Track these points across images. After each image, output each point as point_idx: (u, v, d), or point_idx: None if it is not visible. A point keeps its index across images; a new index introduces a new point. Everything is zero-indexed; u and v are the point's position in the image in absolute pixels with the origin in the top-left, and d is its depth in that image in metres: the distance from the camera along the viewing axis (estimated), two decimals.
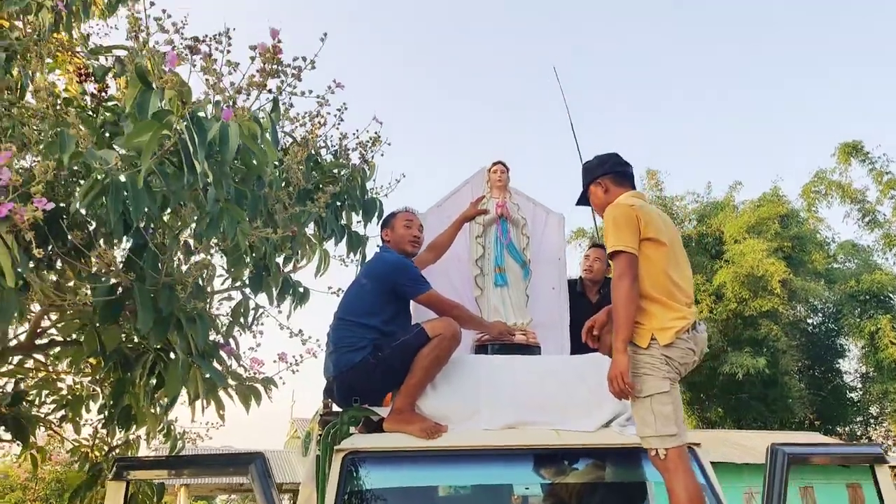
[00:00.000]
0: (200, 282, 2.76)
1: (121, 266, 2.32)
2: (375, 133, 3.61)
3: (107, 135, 2.69)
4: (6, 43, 2.79)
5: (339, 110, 3.49)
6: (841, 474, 22.37)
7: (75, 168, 2.24)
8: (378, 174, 3.87)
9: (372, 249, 3.79)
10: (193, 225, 2.47)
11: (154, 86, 2.28)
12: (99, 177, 2.11)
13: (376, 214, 3.85)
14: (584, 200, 3.32)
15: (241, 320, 3.05)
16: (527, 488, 3.08)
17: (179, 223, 2.51)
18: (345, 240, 3.66)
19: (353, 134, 3.73)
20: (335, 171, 3.62)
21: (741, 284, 27.31)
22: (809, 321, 33.64)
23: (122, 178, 2.14)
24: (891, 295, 27.94)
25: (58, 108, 2.71)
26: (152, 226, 2.40)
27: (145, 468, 3.05)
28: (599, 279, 4.89)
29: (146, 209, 2.15)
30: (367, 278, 3.36)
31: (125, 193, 2.09)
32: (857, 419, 31.53)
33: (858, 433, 30.75)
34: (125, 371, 3.15)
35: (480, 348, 3.72)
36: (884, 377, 27.15)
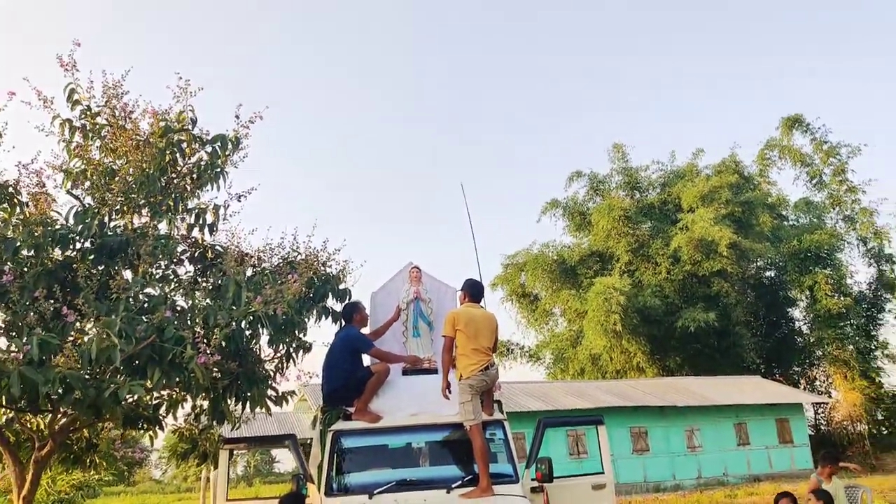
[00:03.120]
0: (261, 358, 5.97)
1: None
2: (344, 261, 6.77)
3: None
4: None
5: (324, 243, 6.67)
6: (772, 411, 26.04)
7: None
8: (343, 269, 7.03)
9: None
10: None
11: (241, 285, 5.42)
12: (225, 330, 5.24)
13: (347, 298, 7.00)
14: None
15: (280, 371, 6.27)
16: (421, 444, 6.29)
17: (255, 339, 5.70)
18: (329, 317, 6.83)
19: (335, 250, 6.87)
20: (322, 279, 6.77)
21: (694, 248, 30.56)
22: (767, 274, 36.90)
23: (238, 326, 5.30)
24: (827, 252, 31.16)
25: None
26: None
27: (236, 442, 6.28)
28: None
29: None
30: (341, 343, 6.49)
31: (239, 336, 5.26)
32: (806, 362, 34.99)
33: (799, 375, 34.34)
34: (216, 393, 6.32)
35: (405, 371, 6.86)
36: (820, 325, 30.61)
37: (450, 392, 6.00)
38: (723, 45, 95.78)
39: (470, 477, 5.75)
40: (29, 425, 6.65)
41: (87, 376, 4.79)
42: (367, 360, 6.67)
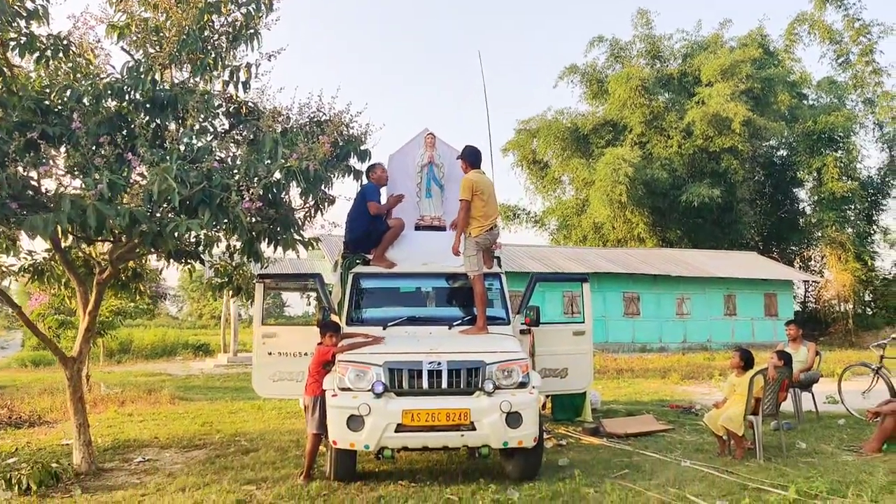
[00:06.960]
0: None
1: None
2: (366, 124, 7.39)
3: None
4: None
5: (347, 106, 7.29)
6: (761, 286, 27.31)
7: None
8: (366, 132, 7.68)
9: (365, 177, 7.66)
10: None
11: (278, 141, 6.12)
12: (265, 180, 6.00)
13: (368, 158, 7.70)
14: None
15: (309, 220, 7.10)
16: (429, 289, 7.25)
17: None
18: (352, 175, 7.57)
19: (357, 112, 7.49)
20: (346, 140, 7.44)
21: (708, 123, 30.57)
22: (779, 153, 36.95)
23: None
24: (841, 135, 31.12)
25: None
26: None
27: (270, 278, 7.23)
28: None
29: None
30: (359, 197, 7.27)
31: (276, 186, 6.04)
32: (804, 242, 35.78)
33: (795, 254, 35.39)
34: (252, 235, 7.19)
35: (417, 227, 7.70)
36: (823, 208, 31.22)
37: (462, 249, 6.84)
38: None
39: (469, 317, 6.71)
40: (86, 253, 7.62)
41: (147, 213, 5.60)
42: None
